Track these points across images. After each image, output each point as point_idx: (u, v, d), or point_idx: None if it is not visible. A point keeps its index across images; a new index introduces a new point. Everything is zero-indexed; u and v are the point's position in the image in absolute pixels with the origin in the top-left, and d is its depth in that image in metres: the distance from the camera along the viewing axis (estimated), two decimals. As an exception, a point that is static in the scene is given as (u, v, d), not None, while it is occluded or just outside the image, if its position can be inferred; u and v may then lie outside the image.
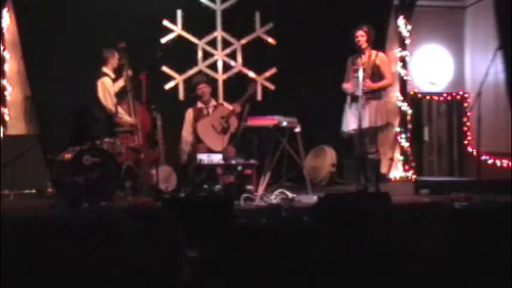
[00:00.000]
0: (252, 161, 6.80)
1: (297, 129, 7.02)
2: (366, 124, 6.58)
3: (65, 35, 7.79)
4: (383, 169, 8.44)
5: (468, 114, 9.22)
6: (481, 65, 8.70)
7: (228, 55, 8.52)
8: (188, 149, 7.26)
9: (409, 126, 9.10)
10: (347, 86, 6.76)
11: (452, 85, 9.47)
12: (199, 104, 7.50)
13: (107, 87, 7.14)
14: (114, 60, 7.28)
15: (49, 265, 3.09)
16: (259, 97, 8.49)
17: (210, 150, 7.07)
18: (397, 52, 9.02)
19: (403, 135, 9.05)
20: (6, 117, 7.86)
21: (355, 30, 6.73)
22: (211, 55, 8.47)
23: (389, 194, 5.00)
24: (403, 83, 9.07)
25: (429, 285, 3.44)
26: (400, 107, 9.05)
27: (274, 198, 6.48)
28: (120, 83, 7.42)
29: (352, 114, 6.67)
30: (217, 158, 6.70)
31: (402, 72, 9.03)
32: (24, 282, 3.05)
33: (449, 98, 9.37)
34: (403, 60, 9.06)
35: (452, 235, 4.05)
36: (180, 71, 8.32)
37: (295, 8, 8.48)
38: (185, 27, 8.32)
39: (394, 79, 8.34)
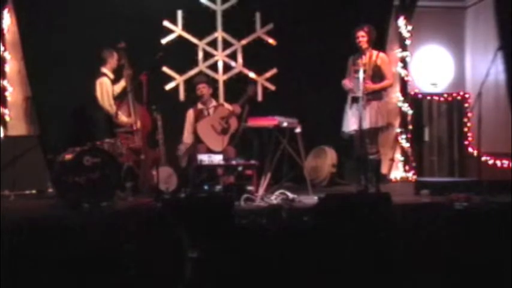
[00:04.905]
0: (253, 162, 6.81)
1: (298, 130, 7.02)
2: (366, 125, 6.58)
3: (65, 35, 7.79)
4: (383, 169, 8.44)
5: (469, 114, 9.21)
6: (481, 66, 8.69)
7: (228, 56, 8.52)
8: (184, 151, 7.24)
9: (410, 126, 9.10)
10: (345, 82, 6.76)
11: (453, 85, 9.47)
12: (200, 105, 7.50)
13: (105, 87, 7.15)
14: (113, 60, 7.28)
15: (49, 266, 3.09)
16: (259, 98, 8.49)
17: (210, 151, 7.07)
18: (398, 53, 9.02)
19: (404, 136, 9.05)
20: (7, 118, 7.86)
21: (356, 31, 6.73)
22: (212, 56, 8.48)
23: (389, 195, 4.99)
24: (404, 84, 9.07)
25: (429, 285, 3.44)
26: (400, 108, 9.05)
27: (274, 198, 6.48)
28: (122, 83, 7.42)
29: (353, 115, 6.66)
30: (217, 159, 6.70)
31: (403, 72, 9.03)
32: (25, 283, 3.05)
33: (449, 98, 9.36)
34: (403, 60, 9.05)
35: (452, 235, 4.05)
36: (180, 72, 8.32)
37: (296, 8, 8.48)
38: (185, 27, 8.32)
39: (395, 80, 8.34)
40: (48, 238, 3.29)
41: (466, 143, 9.22)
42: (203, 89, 7.45)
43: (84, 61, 7.48)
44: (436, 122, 9.39)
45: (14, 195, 7.16)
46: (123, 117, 7.21)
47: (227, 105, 7.65)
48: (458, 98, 9.35)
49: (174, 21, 8.28)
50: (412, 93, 9.18)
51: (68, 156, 6.42)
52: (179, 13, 8.29)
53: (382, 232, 4.22)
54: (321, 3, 8.53)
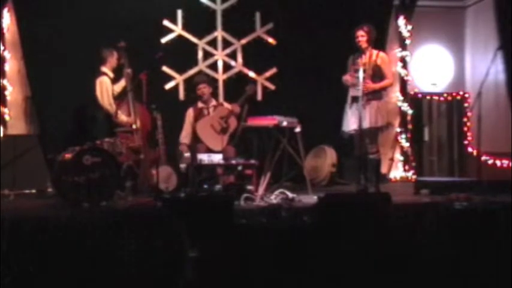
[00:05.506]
0: (252, 161, 6.80)
1: (297, 129, 7.02)
2: (366, 124, 6.58)
3: (65, 34, 7.79)
4: (383, 169, 8.44)
5: (468, 114, 9.21)
6: (481, 65, 8.70)
7: (228, 55, 8.52)
8: (187, 155, 7.23)
9: (410, 126, 9.10)
10: (346, 78, 6.75)
11: (453, 85, 9.47)
12: (200, 104, 7.50)
13: (105, 86, 7.15)
14: (113, 59, 7.28)
15: (49, 265, 3.09)
16: (259, 97, 8.49)
17: (210, 150, 7.08)
18: (398, 52, 9.02)
19: (404, 136, 9.05)
20: (7, 117, 7.86)
21: (356, 30, 6.73)
22: (212, 55, 8.47)
23: (389, 194, 4.99)
24: (404, 83, 9.07)
25: (429, 285, 3.44)
26: (400, 107, 9.05)
27: (274, 198, 6.47)
28: (122, 83, 7.42)
29: (353, 115, 6.67)
30: (217, 158, 6.70)
31: (402, 72, 9.03)
32: (25, 282, 3.05)
33: (449, 98, 9.36)
34: (403, 60, 9.05)
35: (452, 235, 4.05)
36: (180, 71, 8.32)
37: (296, 8, 8.48)
38: (185, 27, 8.32)
39: (395, 79, 8.33)
40: (48, 237, 3.29)
41: (466, 142, 9.22)
42: (204, 89, 7.46)
43: (84, 61, 7.48)
44: (436, 121, 9.39)
45: (14, 194, 7.16)
46: (122, 117, 7.20)
47: (226, 105, 7.66)
48: (458, 97, 9.35)
49: (174, 21, 8.28)
50: (412, 92, 9.18)
51: (68, 156, 6.41)
52: (179, 12, 8.29)
53: (382, 232, 4.22)
54: (321, 3, 8.53)
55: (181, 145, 7.37)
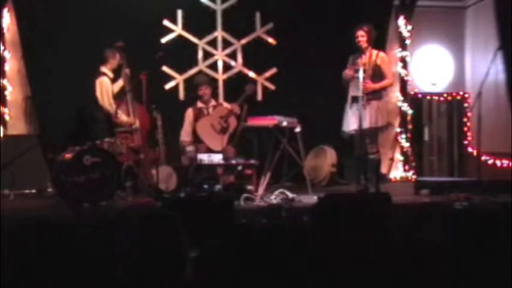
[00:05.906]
0: (252, 161, 6.81)
1: (297, 129, 7.02)
2: (366, 124, 6.58)
3: (65, 35, 7.80)
4: (383, 169, 8.44)
5: (468, 114, 9.21)
6: (481, 65, 8.70)
7: (228, 55, 8.52)
8: (190, 149, 7.24)
9: (410, 126, 9.10)
10: (346, 72, 6.73)
11: (453, 85, 9.47)
12: (200, 104, 7.51)
13: (105, 87, 7.15)
14: (114, 60, 7.28)
15: (50, 265, 3.09)
16: (259, 97, 8.49)
17: (210, 150, 7.08)
18: (398, 52, 9.02)
19: (404, 136, 9.05)
20: (7, 117, 7.86)
21: (356, 30, 6.73)
22: (212, 55, 8.48)
23: (389, 194, 4.99)
24: (404, 83, 9.07)
25: (429, 285, 3.44)
26: (400, 107, 9.05)
27: (274, 198, 6.48)
28: (120, 83, 7.42)
29: (353, 115, 6.67)
30: (217, 158, 6.71)
31: (402, 72, 9.03)
32: (25, 283, 3.05)
33: (449, 98, 9.36)
34: (403, 60, 9.05)
35: (452, 235, 4.04)
36: (180, 71, 8.32)
37: (296, 8, 8.48)
38: (185, 27, 8.32)
39: (395, 79, 8.33)
40: (48, 237, 3.29)
41: (466, 142, 9.22)
42: (205, 90, 7.48)
43: (84, 61, 7.48)
44: (436, 121, 9.39)
45: (14, 194, 7.15)
46: (123, 117, 7.21)
47: (226, 104, 7.66)
48: (458, 97, 9.35)
49: (174, 21, 8.28)
50: (412, 93, 9.18)
51: (68, 156, 6.42)
52: (179, 12, 8.29)
53: (382, 232, 4.22)
54: (321, 3, 8.53)
55: (182, 141, 7.38)
